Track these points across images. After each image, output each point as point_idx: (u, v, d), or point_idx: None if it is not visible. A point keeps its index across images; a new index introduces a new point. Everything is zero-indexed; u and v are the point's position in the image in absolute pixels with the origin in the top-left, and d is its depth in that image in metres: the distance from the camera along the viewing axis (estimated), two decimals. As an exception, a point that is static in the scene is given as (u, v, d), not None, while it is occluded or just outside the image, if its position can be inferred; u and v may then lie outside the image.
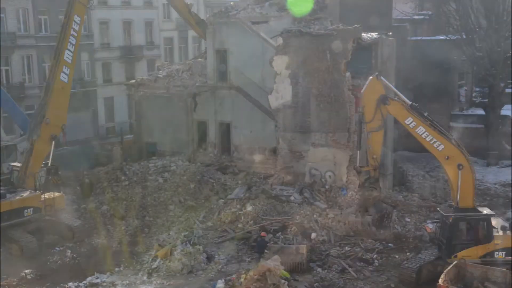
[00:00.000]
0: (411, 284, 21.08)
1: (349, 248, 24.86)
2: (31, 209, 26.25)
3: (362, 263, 23.61)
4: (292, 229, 26.34)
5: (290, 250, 23.08)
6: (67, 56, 27.09)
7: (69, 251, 25.68)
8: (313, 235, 23.89)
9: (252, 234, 26.13)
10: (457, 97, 41.91)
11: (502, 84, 38.20)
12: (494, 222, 21.51)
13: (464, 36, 37.98)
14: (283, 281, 19.80)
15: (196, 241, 25.00)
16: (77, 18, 27.42)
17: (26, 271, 23.66)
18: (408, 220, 27.63)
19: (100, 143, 44.80)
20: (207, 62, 35.37)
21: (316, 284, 21.61)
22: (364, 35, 31.19)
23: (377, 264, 23.57)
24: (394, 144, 35.94)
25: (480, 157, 38.62)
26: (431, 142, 21.04)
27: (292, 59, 30.87)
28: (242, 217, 27.77)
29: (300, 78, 30.90)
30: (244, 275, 20.08)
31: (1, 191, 25.88)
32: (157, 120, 36.61)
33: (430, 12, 45.43)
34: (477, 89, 44.04)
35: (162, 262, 23.38)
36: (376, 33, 32.27)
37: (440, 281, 18.32)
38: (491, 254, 20.70)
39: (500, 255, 20.55)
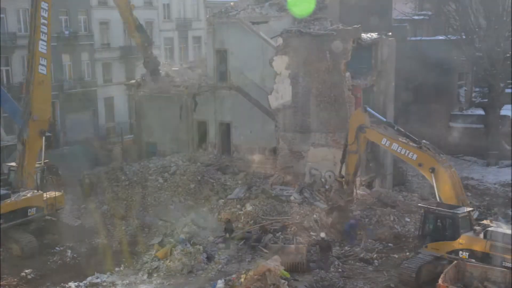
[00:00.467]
0: (411, 284, 21.08)
1: (349, 248, 24.89)
2: (34, 208, 26.28)
3: (362, 263, 23.63)
4: (292, 229, 26.37)
5: (290, 250, 23.13)
6: (42, 46, 26.23)
7: (69, 251, 25.69)
8: (322, 234, 24.10)
9: (252, 234, 26.15)
10: (457, 97, 41.92)
11: (501, 84, 38.22)
12: (495, 225, 21.60)
13: (464, 36, 37.99)
14: (283, 281, 19.82)
15: (195, 241, 25.04)
16: (44, 4, 26.26)
17: (26, 271, 23.68)
18: (408, 220, 27.64)
19: (100, 143, 44.79)
20: (207, 62, 35.38)
21: (316, 284, 21.64)
22: (364, 35, 31.22)
23: (377, 264, 23.58)
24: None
25: (480, 157, 38.68)
26: (406, 154, 23.65)
27: (292, 59, 30.89)
28: (242, 217, 27.78)
29: (300, 78, 30.92)
30: (244, 275, 20.09)
31: (5, 192, 25.76)
32: (157, 120, 36.62)
33: (430, 12, 45.46)
34: (477, 89, 44.06)
35: (162, 262, 23.40)
36: (376, 33, 32.32)
37: (440, 281, 18.35)
38: (456, 252, 20.95)
39: (463, 255, 20.69)
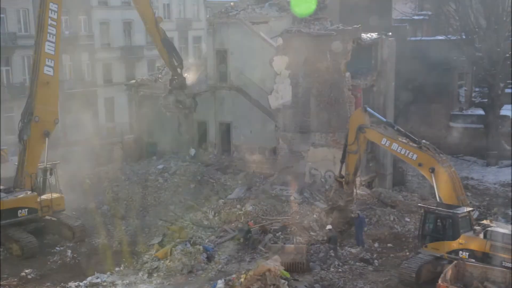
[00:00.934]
0: (410, 284, 21.09)
1: (349, 248, 24.89)
2: (26, 209, 25.95)
3: (362, 263, 23.64)
4: (292, 229, 26.38)
5: (290, 250, 23.13)
6: (49, 48, 25.90)
7: (69, 251, 25.69)
8: (328, 226, 24.53)
9: (252, 234, 26.15)
10: (457, 97, 41.90)
11: (501, 84, 38.19)
12: (495, 225, 21.60)
13: (464, 37, 37.99)
14: (283, 281, 19.82)
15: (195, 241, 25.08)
16: (53, 6, 25.90)
17: (26, 271, 23.67)
18: (408, 220, 27.66)
19: (100, 143, 44.78)
20: (207, 62, 35.40)
21: (316, 284, 21.65)
22: (364, 35, 31.23)
23: (377, 264, 23.59)
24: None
25: (480, 157, 38.66)
26: (406, 154, 23.55)
27: (292, 59, 30.90)
28: (242, 217, 27.79)
29: (300, 78, 30.94)
30: (244, 275, 20.09)
31: None
32: (157, 120, 36.63)
33: (429, 13, 45.42)
34: (477, 89, 44.03)
35: (162, 262, 23.41)
36: (376, 34, 32.33)
37: (440, 281, 18.34)
38: (455, 252, 20.95)
39: (463, 255, 20.70)
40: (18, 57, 43.07)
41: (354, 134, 24.69)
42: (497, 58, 37.04)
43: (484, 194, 32.43)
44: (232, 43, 33.78)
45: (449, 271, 18.87)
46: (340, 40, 29.84)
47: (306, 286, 21.30)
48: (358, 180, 30.01)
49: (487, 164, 37.90)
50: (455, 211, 21.22)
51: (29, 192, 26.38)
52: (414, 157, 23.21)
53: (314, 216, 27.48)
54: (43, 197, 26.65)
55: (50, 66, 26.06)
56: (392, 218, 27.60)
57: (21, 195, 26.11)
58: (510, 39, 36.70)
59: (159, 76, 37.08)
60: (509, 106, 38.77)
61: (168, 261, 23.31)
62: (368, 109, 25.20)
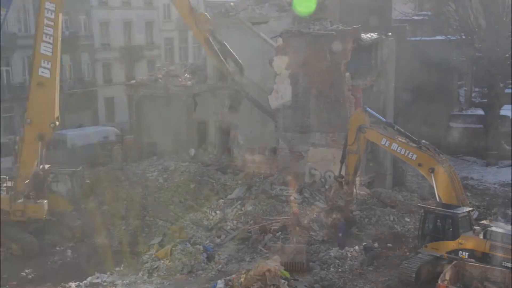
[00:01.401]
0: (410, 284, 21.09)
1: (349, 248, 24.87)
2: None
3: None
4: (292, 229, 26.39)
5: (290, 250, 23.15)
6: (45, 48, 25.06)
7: (69, 251, 25.70)
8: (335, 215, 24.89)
9: (252, 234, 26.16)
10: (457, 97, 41.95)
11: (501, 84, 38.20)
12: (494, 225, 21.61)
13: (464, 37, 37.99)
14: (283, 281, 19.82)
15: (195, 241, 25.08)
16: (50, 5, 24.98)
17: (26, 271, 23.69)
18: (408, 220, 27.66)
19: (100, 143, 44.77)
20: (207, 62, 35.39)
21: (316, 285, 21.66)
22: (364, 35, 31.22)
23: (376, 264, 23.59)
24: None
25: (480, 157, 38.68)
26: (405, 154, 23.63)
27: (292, 59, 30.89)
28: (242, 217, 27.79)
29: (300, 78, 30.93)
30: (244, 275, 20.09)
31: None
32: (157, 120, 36.63)
33: (429, 13, 45.44)
34: (477, 89, 44.05)
35: (162, 262, 23.42)
36: (376, 34, 32.32)
37: (440, 281, 18.35)
38: (455, 252, 20.94)
39: (463, 255, 20.69)
40: (18, 57, 43.07)
41: (354, 134, 24.83)
42: (497, 58, 37.04)
43: (484, 194, 32.44)
44: (232, 43, 33.67)
45: (448, 271, 18.88)
46: (340, 40, 29.83)
47: (306, 286, 21.31)
48: (358, 180, 30.04)
49: (487, 164, 37.92)
50: (455, 211, 21.24)
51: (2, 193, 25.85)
52: (414, 157, 23.28)
53: (314, 216, 27.49)
54: (20, 201, 25.79)
55: (46, 68, 25.30)
56: (392, 218, 27.61)
57: None
58: (510, 39, 36.70)
59: (159, 76, 37.08)
60: (509, 106, 38.79)
61: (168, 261, 23.32)
62: (368, 109, 25.30)
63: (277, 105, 31.61)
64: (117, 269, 23.86)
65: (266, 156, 33.30)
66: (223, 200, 29.76)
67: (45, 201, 26.20)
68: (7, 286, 22.50)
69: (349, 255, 23.82)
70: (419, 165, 23.21)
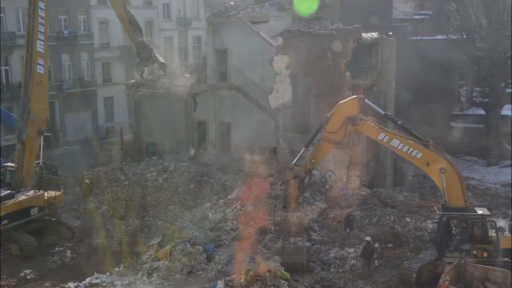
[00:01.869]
0: (411, 284, 21.02)
1: (349, 248, 24.81)
2: (37, 208, 26.27)
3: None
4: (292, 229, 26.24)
5: (290, 250, 23.06)
6: (40, 46, 26.23)
7: (68, 251, 25.64)
8: (367, 238, 23.05)
9: (252, 234, 26.08)
10: (458, 97, 41.87)
11: (502, 84, 38.14)
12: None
13: (465, 36, 37.93)
14: (283, 281, 19.75)
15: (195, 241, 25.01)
16: (42, 4, 26.26)
17: (25, 271, 23.63)
18: (408, 220, 27.58)
19: (100, 143, 44.75)
20: (207, 62, 35.32)
21: (317, 285, 21.58)
22: (364, 35, 31.15)
23: (377, 264, 23.52)
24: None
25: (481, 157, 38.62)
26: (409, 152, 21.08)
27: (292, 59, 30.82)
28: (242, 217, 27.71)
29: (300, 78, 30.85)
30: (244, 276, 20.02)
31: (8, 192, 25.66)
32: (157, 120, 36.56)
33: (430, 12, 45.39)
34: (478, 89, 44.00)
35: (162, 262, 23.35)
36: (377, 33, 32.24)
37: (441, 281, 18.27)
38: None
39: None
40: (17, 57, 42.95)
41: (340, 123, 21.79)
42: (498, 58, 36.98)
43: (485, 194, 32.37)
44: (232, 43, 33.69)
45: (449, 271, 18.80)
46: (340, 40, 29.75)
47: (306, 286, 21.24)
48: (358, 179, 29.97)
49: (487, 164, 37.85)
50: (484, 214, 20.79)
51: (36, 191, 26.61)
52: (419, 155, 20.93)
53: (314, 216, 27.41)
54: (47, 194, 26.91)
55: (41, 65, 26.43)
56: (392, 218, 27.52)
57: (31, 194, 26.32)
58: (511, 38, 36.63)
59: (161, 74, 37.24)
60: (509, 106, 38.75)
61: (167, 261, 23.25)
62: (366, 100, 22.41)
63: (277, 105, 31.53)
64: (116, 269, 23.83)
65: (266, 156, 33.22)
66: (223, 200, 29.68)
67: (61, 191, 27.77)
68: (6, 287, 22.44)
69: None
70: (428, 164, 20.91)
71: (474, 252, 20.30)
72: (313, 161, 22.46)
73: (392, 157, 32.68)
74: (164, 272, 22.84)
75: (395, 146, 21.26)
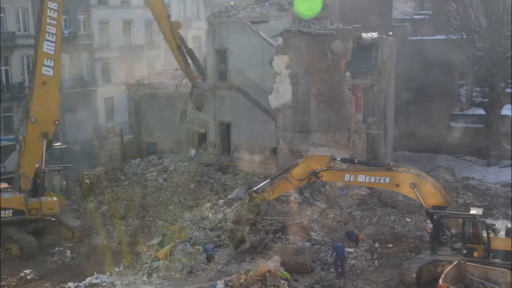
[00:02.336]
0: (411, 284, 21.02)
1: (349, 249, 24.80)
2: (11, 210, 25.67)
3: (362, 263, 23.56)
4: (292, 229, 26.30)
5: (292, 250, 23.07)
6: (48, 47, 25.52)
7: (68, 251, 25.64)
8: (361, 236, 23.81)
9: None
10: (458, 97, 41.82)
11: (502, 84, 38.09)
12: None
13: (465, 36, 37.89)
14: (283, 281, 19.76)
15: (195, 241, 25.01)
16: (52, 5, 25.56)
17: (25, 271, 23.64)
18: (408, 220, 27.56)
19: (100, 143, 44.77)
20: (207, 62, 35.33)
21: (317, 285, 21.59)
22: (364, 35, 31.16)
23: (377, 264, 23.52)
24: (394, 144, 35.98)
25: (481, 157, 38.58)
26: (377, 181, 21.78)
27: (292, 59, 30.82)
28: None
29: (300, 78, 30.86)
30: (244, 276, 20.02)
31: None
32: (157, 120, 36.57)
33: (430, 12, 45.36)
34: (478, 88, 43.95)
35: (162, 262, 23.35)
36: (376, 33, 32.26)
37: (440, 281, 18.25)
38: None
39: None
40: (17, 57, 43.04)
41: (305, 174, 22.56)
42: (498, 58, 36.93)
43: (485, 194, 32.30)
44: (232, 43, 33.70)
45: (449, 271, 18.79)
46: (340, 40, 29.75)
47: (306, 286, 21.23)
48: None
49: (487, 164, 37.81)
50: (476, 214, 20.69)
51: (16, 193, 26.00)
52: (387, 180, 21.50)
53: (314, 216, 27.41)
54: (33, 199, 26.10)
55: (49, 66, 25.74)
56: (392, 218, 27.51)
57: (7, 196, 25.75)
58: (511, 38, 36.61)
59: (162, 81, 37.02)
60: (509, 106, 38.66)
61: (167, 261, 23.24)
62: (338, 159, 22.66)
63: (277, 105, 31.54)
64: (116, 269, 23.82)
65: (266, 156, 33.23)
66: (223, 200, 29.68)
67: (55, 198, 26.62)
68: (6, 286, 22.45)
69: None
70: (397, 185, 21.54)
71: (464, 251, 20.38)
72: (270, 193, 23.39)
73: (392, 157, 32.70)
74: (164, 272, 22.82)
75: (363, 181, 21.96)
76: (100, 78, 49.63)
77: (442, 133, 39.63)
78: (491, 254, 20.17)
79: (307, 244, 24.61)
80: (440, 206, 21.20)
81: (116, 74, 50.24)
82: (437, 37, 41.23)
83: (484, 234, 20.39)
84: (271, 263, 20.18)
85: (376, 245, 25.18)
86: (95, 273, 23.17)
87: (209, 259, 23.73)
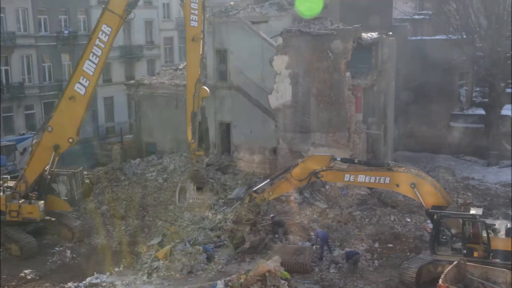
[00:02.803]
0: (411, 284, 21.02)
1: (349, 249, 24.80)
2: None
3: (362, 263, 23.56)
4: (292, 229, 26.31)
5: (292, 250, 23.08)
6: (88, 67, 25.34)
7: (68, 251, 25.63)
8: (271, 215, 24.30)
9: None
10: (458, 97, 41.84)
11: (502, 84, 38.11)
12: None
13: (465, 36, 37.91)
14: (283, 281, 19.76)
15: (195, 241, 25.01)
16: (106, 28, 25.44)
17: (25, 271, 23.62)
18: (409, 220, 27.57)
19: (100, 143, 44.75)
20: (207, 62, 35.30)
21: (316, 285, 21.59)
22: (364, 35, 31.17)
23: (377, 264, 23.52)
24: (394, 144, 35.99)
25: (481, 157, 38.59)
26: (377, 181, 21.95)
27: (292, 59, 30.83)
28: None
29: (300, 78, 30.87)
30: (244, 276, 20.02)
31: None
32: (157, 120, 36.55)
33: (430, 12, 45.34)
34: (478, 89, 43.97)
35: (162, 262, 23.35)
36: (376, 33, 32.27)
37: (440, 281, 18.26)
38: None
39: None
40: (17, 57, 43.07)
41: (305, 175, 22.66)
42: (498, 58, 36.95)
43: (485, 194, 32.31)
44: (232, 43, 33.70)
45: (449, 271, 18.79)
46: (340, 40, 29.76)
47: (306, 286, 21.24)
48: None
49: (487, 164, 37.82)
50: (476, 214, 20.72)
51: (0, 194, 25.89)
52: (387, 180, 21.67)
53: (314, 216, 27.41)
54: (14, 201, 25.75)
55: (83, 85, 25.45)
56: (392, 218, 27.52)
57: None
58: (511, 38, 36.62)
59: (162, 81, 36.86)
60: (509, 106, 38.68)
61: (167, 261, 23.24)
62: (338, 159, 22.77)
63: (277, 105, 31.54)
64: (116, 269, 23.78)
65: (266, 156, 33.23)
66: (223, 200, 29.67)
67: (41, 202, 26.06)
68: (7, 286, 22.44)
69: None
70: (397, 185, 21.71)
71: (464, 251, 20.42)
72: (270, 193, 23.58)
73: (392, 157, 32.70)
74: (164, 272, 22.83)
75: (363, 181, 22.13)
76: (100, 78, 49.54)
77: (442, 133, 39.65)
78: (491, 254, 20.19)
79: (307, 244, 24.63)
80: (440, 206, 21.26)
81: (116, 74, 50.21)
82: (437, 37, 41.25)
83: (484, 234, 20.42)
84: (271, 263, 20.18)
85: (376, 245, 25.18)
86: (95, 273, 23.16)
87: (209, 259, 23.74)
